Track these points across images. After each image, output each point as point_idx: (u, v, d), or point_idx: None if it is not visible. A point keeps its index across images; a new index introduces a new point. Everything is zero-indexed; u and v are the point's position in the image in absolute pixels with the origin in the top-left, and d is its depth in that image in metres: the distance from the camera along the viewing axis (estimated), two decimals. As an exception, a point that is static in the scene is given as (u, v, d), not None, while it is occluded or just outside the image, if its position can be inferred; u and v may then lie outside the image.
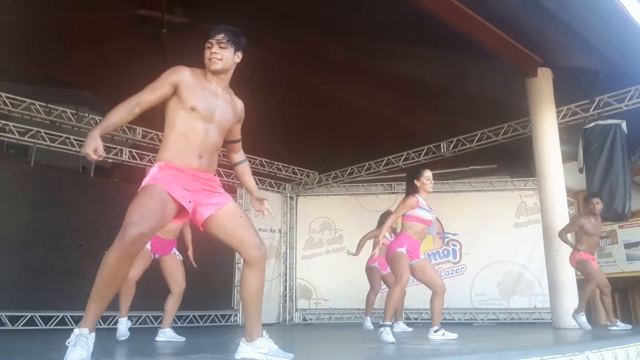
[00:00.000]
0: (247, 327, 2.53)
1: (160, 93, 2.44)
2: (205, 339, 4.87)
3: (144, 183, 2.37)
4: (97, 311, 2.22)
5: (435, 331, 4.21)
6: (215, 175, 2.60)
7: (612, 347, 3.63)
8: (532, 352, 2.98)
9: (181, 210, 2.42)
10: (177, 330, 4.80)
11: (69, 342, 2.13)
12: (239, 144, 2.85)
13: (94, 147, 2.21)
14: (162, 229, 2.59)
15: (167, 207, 2.33)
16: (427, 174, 4.36)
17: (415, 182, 4.35)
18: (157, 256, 4.59)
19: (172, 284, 4.66)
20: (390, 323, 4.01)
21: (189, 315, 7.74)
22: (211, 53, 2.53)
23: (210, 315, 8.18)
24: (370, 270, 6.40)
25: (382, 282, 6.36)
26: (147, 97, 2.41)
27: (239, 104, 2.70)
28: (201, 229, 2.53)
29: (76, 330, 2.15)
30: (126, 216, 2.23)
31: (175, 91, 2.46)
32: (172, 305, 4.65)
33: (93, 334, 2.19)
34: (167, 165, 2.41)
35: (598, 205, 5.62)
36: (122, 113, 2.36)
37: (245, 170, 2.90)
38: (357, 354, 3.57)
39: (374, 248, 6.32)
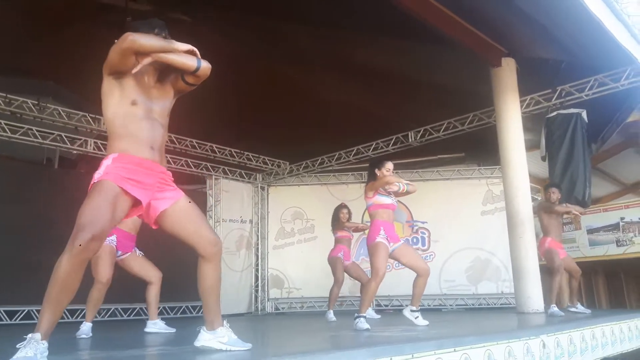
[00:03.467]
0: (207, 316, 2.55)
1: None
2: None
3: (96, 176, 2.31)
4: (51, 319, 2.12)
5: (412, 311, 4.29)
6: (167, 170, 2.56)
7: (567, 330, 3.75)
8: (488, 337, 3.04)
9: (134, 205, 2.38)
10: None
11: (20, 345, 2.06)
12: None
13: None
14: (116, 225, 2.53)
15: (118, 203, 2.27)
16: (389, 165, 4.43)
17: (377, 171, 4.42)
18: (120, 253, 4.51)
19: (148, 275, 4.61)
20: (365, 315, 4.10)
21: (159, 307, 7.67)
22: None
23: (181, 307, 8.15)
24: (334, 262, 6.19)
25: (344, 274, 6.24)
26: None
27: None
28: (153, 225, 2.49)
29: (29, 335, 2.09)
30: (77, 218, 2.18)
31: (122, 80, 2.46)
32: (153, 294, 4.62)
33: (45, 342, 2.09)
34: (121, 157, 2.37)
35: (554, 194, 5.96)
36: None
37: None
38: (311, 343, 3.56)
39: (335, 242, 6.37)
